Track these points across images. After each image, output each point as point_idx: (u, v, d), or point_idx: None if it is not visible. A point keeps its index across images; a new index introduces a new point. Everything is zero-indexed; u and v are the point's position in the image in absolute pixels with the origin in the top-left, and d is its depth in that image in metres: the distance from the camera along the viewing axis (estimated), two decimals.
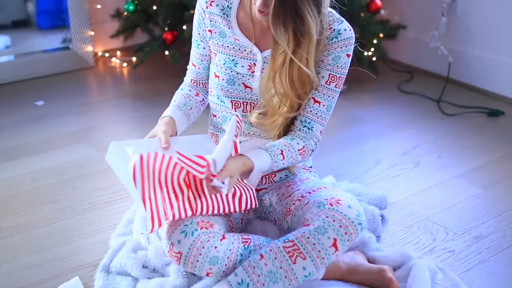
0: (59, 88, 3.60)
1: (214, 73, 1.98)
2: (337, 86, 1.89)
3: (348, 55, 1.87)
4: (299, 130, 1.92)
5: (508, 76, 3.40)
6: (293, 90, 1.83)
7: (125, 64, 3.87)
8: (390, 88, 3.59)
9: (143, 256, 1.99)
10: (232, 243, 1.77)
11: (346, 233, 1.69)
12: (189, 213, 1.73)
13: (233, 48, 1.92)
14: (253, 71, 1.91)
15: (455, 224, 2.29)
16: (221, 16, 1.92)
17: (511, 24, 3.33)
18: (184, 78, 2.13)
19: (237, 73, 1.93)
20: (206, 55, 2.01)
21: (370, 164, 2.73)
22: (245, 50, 1.91)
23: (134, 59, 3.67)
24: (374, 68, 3.58)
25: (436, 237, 2.22)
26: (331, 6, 1.86)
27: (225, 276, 1.75)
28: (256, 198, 1.90)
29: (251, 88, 1.93)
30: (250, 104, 1.96)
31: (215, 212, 1.79)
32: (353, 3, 3.39)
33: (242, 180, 1.87)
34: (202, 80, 2.07)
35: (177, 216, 1.70)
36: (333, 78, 1.88)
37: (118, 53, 4.01)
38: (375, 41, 3.54)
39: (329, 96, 1.89)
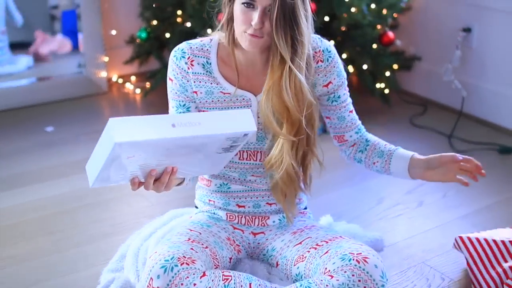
0: (71, 113, 3.63)
1: None
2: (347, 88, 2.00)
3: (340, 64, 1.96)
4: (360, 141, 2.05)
5: None
6: (293, 102, 1.81)
7: (138, 91, 3.88)
8: (402, 121, 3.55)
9: None
10: (213, 280, 1.75)
11: None
12: None
13: (224, 100, 1.89)
14: None
15: (452, 269, 2.24)
16: (205, 74, 1.88)
17: None
18: None
19: None
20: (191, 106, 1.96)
21: (372, 203, 2.69)
22: (237, 99, 1.89)
23: (148, 84, 3.69)
24: (386, 100, 3.55)
25: (431, 282, 2.17)
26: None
27: None
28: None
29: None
30: (247, 152, 1.95)
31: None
32: (365, 35, 3.37)
33: None
34: None
35: None
36: (346, 88, 1.98)
37: (133, 78, 4.03)
38: (387, 73, 3.51)
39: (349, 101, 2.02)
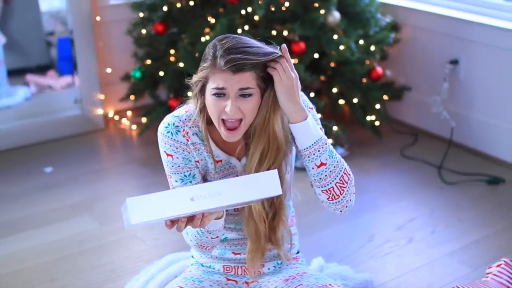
0: (69, 152, 3.70)
1: None
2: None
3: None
4: None
5: (509, 141, 3.42)
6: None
7: (134, 127, 3.96)
8: (393, 152, 3.62)
9: None
10: None
11: None
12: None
13: (217, 171, 1.92)
14: None
15: None
16: (202, 144, 1.89)
17: None
18: None
19: None
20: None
21: (363, 241, 2.76)
22: (229, 166, 1.93)
23: (144, 119, 3.76)
24: (377, 132, 3.63)
25: None
26: None
27: None
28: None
29: None
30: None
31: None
32: (354, 71, 3.45)
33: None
34: None
35: None
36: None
37: (129, 113, 4.10)
38: (378, 106, 3.59)
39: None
